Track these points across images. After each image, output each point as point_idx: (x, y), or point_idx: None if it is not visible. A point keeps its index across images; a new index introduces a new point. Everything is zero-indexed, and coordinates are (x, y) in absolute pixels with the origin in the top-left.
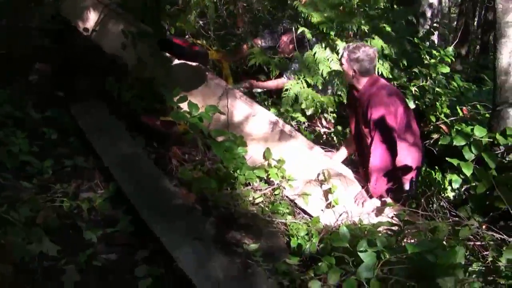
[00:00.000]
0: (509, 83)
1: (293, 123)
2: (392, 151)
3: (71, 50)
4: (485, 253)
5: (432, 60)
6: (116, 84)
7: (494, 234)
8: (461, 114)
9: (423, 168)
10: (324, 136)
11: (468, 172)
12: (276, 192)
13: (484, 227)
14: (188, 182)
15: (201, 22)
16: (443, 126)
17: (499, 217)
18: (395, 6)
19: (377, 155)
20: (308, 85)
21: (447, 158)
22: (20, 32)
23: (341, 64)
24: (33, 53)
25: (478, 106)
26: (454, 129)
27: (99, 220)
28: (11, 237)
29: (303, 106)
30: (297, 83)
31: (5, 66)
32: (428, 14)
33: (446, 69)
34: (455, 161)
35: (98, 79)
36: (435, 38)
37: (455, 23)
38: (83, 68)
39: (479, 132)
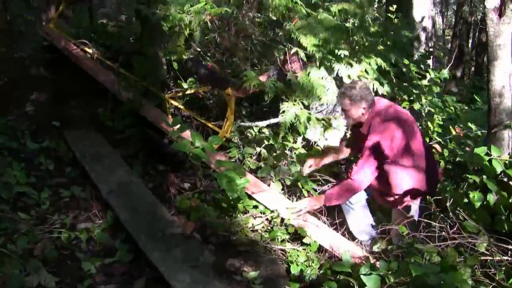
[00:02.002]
0: (503, 105)
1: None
2: (381, 177)
3: (66, 79)
4: (492, 271)
5: (423, 82)
6: (109, 113)
7: (504, 256)
8: (453, 133)
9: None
10: None
11: (493, 188)
12: (274, 219)
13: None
14: (186, 210)
15: (198, 48)
16: (436, 146)
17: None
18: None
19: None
20: (305, 107)
21: (468, 175)
22: (14, 62)
23: (345, 110)
24: (29, 82)
25: (471, 126)
26: (465, 148)
27: (98, 250)
28: (9, 269)
29: (301, 129)
30: (294, 105)
31: (1, 96)
32: (423, 37)
33: (437, 89)
34: (476, 178)
35: (93, 108)
36: (430, 61)
37: (450, 45)
38: (78, 98)
39: (496, 152)
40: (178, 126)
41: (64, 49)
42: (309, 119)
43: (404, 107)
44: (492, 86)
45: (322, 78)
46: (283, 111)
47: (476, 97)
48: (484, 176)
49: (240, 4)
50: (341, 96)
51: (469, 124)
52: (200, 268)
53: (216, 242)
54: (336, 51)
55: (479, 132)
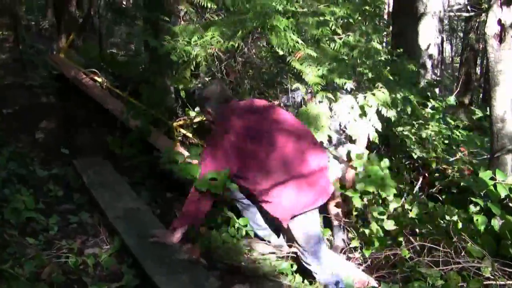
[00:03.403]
0: (505, 130)
1: None
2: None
3: (75, 108)
4: None
5: (428, 110)
6: (118, 141)
7: (509, 280)
8: (459, 154)
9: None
10: None
11: (497, 212)
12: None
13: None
14: (193, 237)
15: (206, 78)
16: (446, 166)
17: None
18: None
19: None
20: None
21: (472, 199)
22: (24, 90)
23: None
24: (38, 110)
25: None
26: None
27: (105, 275)
28: None
29: None
30: None
31: (11, 124)
32: (428, 65)
33: (439, 115)
34: (481, 202)
35: (102, 136)
36: (437, 89)
37: (458, 72)
38: (87, 126)
39: (501, 176)
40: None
41: (74, 78)
42: None
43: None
44: (494, 112)
45: (319, 114)
46: None
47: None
48: (489, 201)
49: (245, 37)
50: None
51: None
52: None
53: (222, 268)
54: (341, 83)
55: (485, 155)
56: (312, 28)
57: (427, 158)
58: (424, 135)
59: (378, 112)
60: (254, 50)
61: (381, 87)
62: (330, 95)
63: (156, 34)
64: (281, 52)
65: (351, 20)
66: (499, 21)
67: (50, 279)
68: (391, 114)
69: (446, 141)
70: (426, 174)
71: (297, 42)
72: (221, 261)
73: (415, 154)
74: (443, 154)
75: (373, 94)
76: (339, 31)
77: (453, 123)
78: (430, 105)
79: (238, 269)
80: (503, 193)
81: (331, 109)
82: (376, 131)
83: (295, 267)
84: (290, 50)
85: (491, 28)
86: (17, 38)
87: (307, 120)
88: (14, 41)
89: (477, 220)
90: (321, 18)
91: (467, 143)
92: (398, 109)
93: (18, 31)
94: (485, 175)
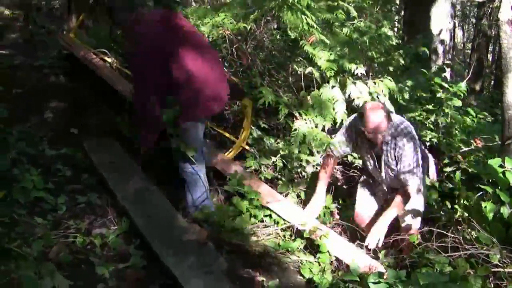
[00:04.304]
0: None
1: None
2: None
3: (85, 88)
4: (504, 283)
5: (444, 94)
6: (127, 122)
7: None
8: (474, 144)
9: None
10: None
11: (506, 199)
12: (287, 229)
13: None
14: (201, 219)
15: None
16: (460, 156)
17: None
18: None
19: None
20: (316, 125)
21: (481, 186)
22: (33, 70)
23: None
24: (48, 90)
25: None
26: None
27: (112, 255)
28: (24, 271)
29: (313, 148)
30: (306, 123)
31: (21, 103)
32: (440, 50)
33: (458, 103)
34: (489, 189)
35: (111, 117)
36: (448, 74)
37: (469, 59)
38: (96, 106)
39: (510, 163)
40: None
41: (84, 58)
42: (319, 137)
43: (419, 120)
44: (506, 99)
45: (333, 98)
46: (295, 129)
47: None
48: (498, 188)
49: (258, 20)
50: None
51: (488, 135)
52: (214, 275)
53: (229, 250)
54: (352, 68)
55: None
56: (325, 12)
57: (440, 144)
58: (439, 120)
59: (391, 97)
60: (265, 34)
61: (387, 76)
62: (347, 79)
63: None
64: (293, 36)
65: (364, 5)
66: None
67: (58, 259)
68: (401, 100)
69: (458, 130)
70: (437, 160)
71: (312, 26)
72: (228, 243)
73: (426, 137)
74: (457, 142)
75: (382, 81)
76: (354, 14)
77: (473, 114)
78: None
79: (245, 250)
80: None
81: (344, 93)
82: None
83: (302, 245)
84: (304, 33)
85: (505, 14)
86: (27, 18)
87: (319, 104)
88: (24, 21)
89: (485, 207)
90: (334, 3)
91: (481, 131)
92: (406, 96)
93: (28, 10)
94: (494, 162)
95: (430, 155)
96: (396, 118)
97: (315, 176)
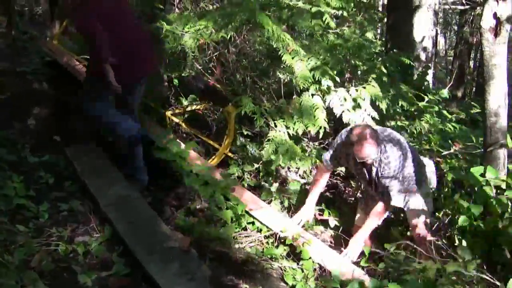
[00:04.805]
0: (499, 124)
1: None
2: None
3: (67, 95)
4: None
5: (422, 103)
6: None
7: (488, 278)
8: (453, 148)
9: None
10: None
11: (476, 212)
12: (270, 236)
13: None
14: (184, 226)
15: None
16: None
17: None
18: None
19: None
20: (291, 136)
21: (456, 198)
22: (16, 76)
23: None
24: (30, 97)
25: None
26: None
27: (94, 263)
28: (5, 280)
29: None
30: (280, 132)
31: (3, 110)
32: (423, 57)
33: (435, 109)
34: (465, 203)
35: (94, 123)
36: (430, 80)
37: (451, 65)
38: (79, 113)
39: (492, 173)
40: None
41: (67, 64)
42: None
43: (401, 127)
44: (488, 105)
45: (314, 106)
46: (268, 139)
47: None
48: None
49: (239, 28)
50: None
51: (469, 142)
52: (197, 282)
53: (213, 257)
54: (331, 78)
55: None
56: (306, 21)
57: (420, 150)
58: (418, 128)
59: (373, 103)
60: (247, 42)
61: (370, 82)
62: (324, 87)
63: (151, 20)
64: (274, 45)
65: (345, 13)
66: (495, 15)
67: (40, 267)
68: (383, 106)
69: (438, 135)
70: None
71: (288, 38)
72: (212, 250)
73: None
74: (437, 147)
75: (364, 88)
76: (332, 24)
77: (449, 116)
78: (426, 98)
79: (229, 257)
80: (490, 193)
81: (324, 101)
82: (373, 118)
83: (285, 252)
84: (282, 44)
85: (487, 22)
86: (10, 24)
87: (300, 112)
88: (7, 27)
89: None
90: (316, 10)
91: (461, 137)
92: (387, 104)
93: (11, 16)
94: (476, 170)
95: (430, 162)
96: (380, 129)
97: (303, 186)
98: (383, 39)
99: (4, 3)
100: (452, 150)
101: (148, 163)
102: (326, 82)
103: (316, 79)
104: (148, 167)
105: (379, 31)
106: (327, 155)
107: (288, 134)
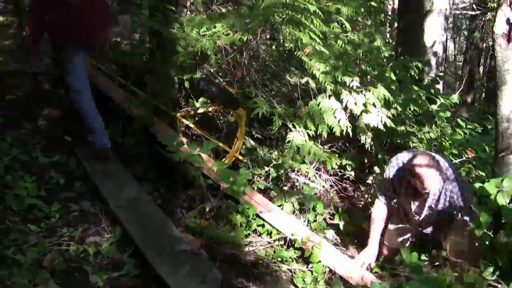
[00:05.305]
0: (511, 130)
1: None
2: None
3: None
4: None
5: (433, 107)
6: (120, 130)
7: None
8: (465, 156)
9: None
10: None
11: (484, 226)
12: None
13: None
14: (194, 228)
15: (211, 68)
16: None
17: None
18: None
19: None
20: (310, 137)
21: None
22: (27, 77)
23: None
24: (41, 97)
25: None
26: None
27: (105, 264)
28: (18, 279)
29: (306, 159)
30: (299, 134)
31: (14, 110)
32: (433, 62)
33: (446, 114)
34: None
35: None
36: (440, 86)
37: (461, 71)
38: None
39: (509, 183)
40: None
41: None
42: (313, 151)
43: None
44: (500, 111)
45: (331, 108)
46: (288, 141)
47: (486, 124)
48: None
49: (255, 31)
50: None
51: (479, 148)
52: (207, 284)
53: (223, 259)
54: (346, 80)
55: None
56: (321, 25)
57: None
58: (428, 135)
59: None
60: (261, 45)
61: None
62: (342, 89)
63: (163, 22)
64: (288, 47)
65: (358, 18)
66: (508, 21)
67: (52, 267)
68: (392, 112)
69: (449, 142)
70: None
71: (314, 39)
72: (222, 253)
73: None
74: (448, 155)
75: (373, 93)
76: (348, 28)
77: (462, 124)
78: (438, 102)
79: (239, 259)
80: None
81: (341, 103)
82: (385, 125)
83: (295, 255)
84: (299, 44)
85: (499, 27)
86: (21, 25)
87: (318, 114)
88: (18, 28)
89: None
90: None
91: (472, 144)
92: (396, 109)
93: (22, 17)
94: (490, 185)
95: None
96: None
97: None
98: (393, 43)
99: (14, 4)
100: (464, 158)
101: (157, 163)
102: (354, 82)
103: (339, 79)
104: (157, 168)
105: (388, 35)
106: (382, 192)
107: (308, 135)
